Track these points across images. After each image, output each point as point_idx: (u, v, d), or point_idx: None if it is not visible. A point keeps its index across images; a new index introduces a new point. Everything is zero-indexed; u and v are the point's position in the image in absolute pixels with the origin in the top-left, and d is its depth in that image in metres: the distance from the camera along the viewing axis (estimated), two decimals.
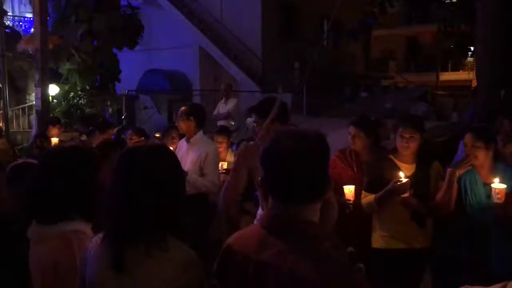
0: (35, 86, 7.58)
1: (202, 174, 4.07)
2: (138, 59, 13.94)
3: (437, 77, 19.64)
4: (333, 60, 15.80)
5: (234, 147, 5.79)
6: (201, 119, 4.22)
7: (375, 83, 16.35)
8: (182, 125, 4.18)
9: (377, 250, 3.04)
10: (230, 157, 5.20)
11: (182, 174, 1.61)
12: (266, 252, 1.33)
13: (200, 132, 4.22)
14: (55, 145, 3.72)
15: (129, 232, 1.43)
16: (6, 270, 2.15)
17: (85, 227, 1.71)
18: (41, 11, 7.45)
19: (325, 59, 15.30)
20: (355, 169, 3.42)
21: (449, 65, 21.97)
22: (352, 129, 3.44)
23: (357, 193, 3.07)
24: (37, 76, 7.48)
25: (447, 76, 21.20)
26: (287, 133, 1.41)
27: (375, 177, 3.05)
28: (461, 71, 21.41)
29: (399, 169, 2.99)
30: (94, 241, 1.55)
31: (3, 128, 8.99)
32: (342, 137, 4.71)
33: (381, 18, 15.58)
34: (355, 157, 3.46)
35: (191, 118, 4.13)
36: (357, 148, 3.46)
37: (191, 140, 4.15)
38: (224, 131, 5.36)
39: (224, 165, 4.84)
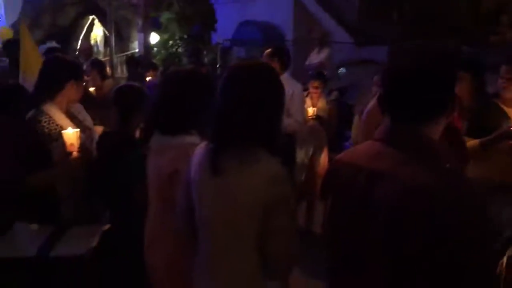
0: (138, 32, 8.02)
1: (288, 115, 4.14)
2: (233, 10, 14.02)
3: None
4: (435, 11, 14.71)
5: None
6: (285, 60, 4.26)
7: (482, 38, 15.00)
8: None
9: None
10: (322, 103, 5.20)
11: (281, 92, 1.66)
12: (380, 162, 1.31)
13: (286, 73, 4.26)
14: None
15: (226, 141, 1.55)
16: (115, 178, 2.42)
17: (200, 141, 1.88)
18: None
19: (427, 9, 14.29)
20: (456, 114, 3.28)
21: None
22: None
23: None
24: (140, 23, 7.87)
25: None
26: (408, 50, 1.38)
27: (479, 122, 2.94)
28: None
29: (505, 113, 2.84)
30: (198, 149, 1.70)
31: (110, 73, 9.72)
32: None
33: None
34: (458, 102, 3.31)
35: (275, 59, 4.19)
36: (461, 92, 3.27)
37: None
38: (321, 76, 5.33)
39: (314, 110, 4.85)
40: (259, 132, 1.56)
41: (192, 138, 1.93)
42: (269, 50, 4.34)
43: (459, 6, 16.35)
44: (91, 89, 5.23)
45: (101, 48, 13.79)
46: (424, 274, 1.19)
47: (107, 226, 2.56)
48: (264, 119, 1.57)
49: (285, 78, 4.28)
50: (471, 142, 2.90)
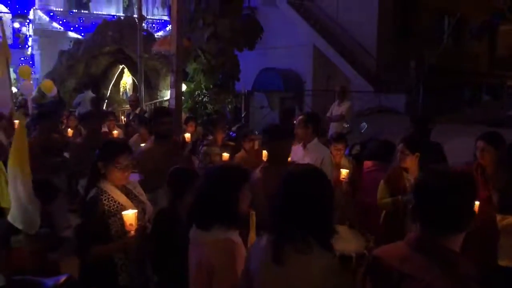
0: (170, 87, 8.46)
1: None
2: (254, 57, 14.59)
3: None
4: (453, 59, 15.06)
5: (347, 152, 5.99)
6: (317, 126, 4.57)
7: (500, 83, 15.24)
8: (300, 132, 4.54)
9: (504, 268, 3.12)
10: (344, 161, 5.30)
11: (330, 191, 1.95)
12: (408, 265, 1.65)
13: (316, 139, 4.56)
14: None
15: (287, 235, 1.83)
16: (166, 251, 2.71)
17: (234, 236, 2.13)
18: (177, 20, 8.25)
19: (444, 58, 14.65)
20: (480, 184, 3.43)
21: None
22: (481, 143, 3.50)
23: (481, 208, 3.15)
24: (172, 78, 8.34)
25: None
26: (436, 174, 1.73)
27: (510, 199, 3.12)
28: None
29: None
30: (257, 241, 2.00)
31: None
32: (462, 145, 4.69)
33: (510, 14, 14.48)
34: (481, 172, 3.51)
35: (309, 125, 4.49)
36: (485, 163, 3.50)
37: (308, 146, 4.47)
38: (343, 138, 5.58)
39: (347, 173, 4.80)
40: (315, 226, 1.81)
41: (226, 233, 2.11)
42: (302, 117, 4.62)
43: (475, 52, 16.71)
44: (142, 145, 5.43)
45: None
46: None
47: None
48: (318, 215, 1.82)
49: (315, 144, 4.57)
50: (509, 220, 3.08)
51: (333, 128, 8.40)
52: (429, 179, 1.72)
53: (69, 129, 7.37)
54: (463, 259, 1.66)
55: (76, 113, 9.28)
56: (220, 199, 2.14)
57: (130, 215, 2.68)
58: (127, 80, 13.56)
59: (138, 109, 9.31)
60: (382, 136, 8.18)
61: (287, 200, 1.87)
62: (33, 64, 15.51)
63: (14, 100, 9.73)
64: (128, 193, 2.98)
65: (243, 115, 11.01)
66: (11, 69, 8.45)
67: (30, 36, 16.65)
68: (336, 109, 8.68)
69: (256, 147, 6.13)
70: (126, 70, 13.26)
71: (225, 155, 5.49)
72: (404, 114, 11.32)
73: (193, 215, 2.23)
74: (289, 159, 4.33)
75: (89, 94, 11.42)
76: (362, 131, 7.55)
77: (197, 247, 2.17)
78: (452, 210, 1.63)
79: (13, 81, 10.91)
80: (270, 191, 2.02)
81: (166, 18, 15.56)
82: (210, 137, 6.38)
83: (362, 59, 14.35)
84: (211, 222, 2.13)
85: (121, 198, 2.87)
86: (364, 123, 7.73)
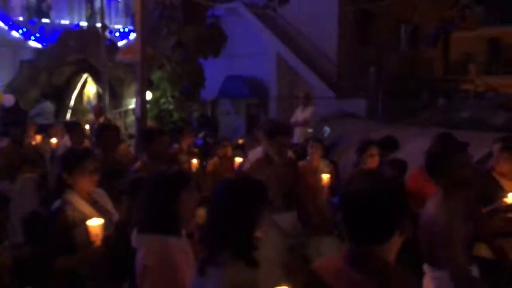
0: (136, 95, 8.52)
1: None
2: (219, 64, 14.76)
3: None
4: (410, 65, 15.71)
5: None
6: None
7: (454, 87, 16.00)
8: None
9: (484, 259, 3.25)
10: (323, 166, 5.29)
11: (250, 207, 1.91)
12: (342, 281, 1.57)
13: None
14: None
15: (211, 247, 1.89)
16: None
17: (172, 239, 2.17)
18: (141, 28, 8.34)
19: (401, 64, 15.26)
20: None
21: None
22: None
23: None
24: (137, 86, 8.39)
25: None
26: (360, 180, 1.59)
27: (477, 194, 3.24)
28: None
29: (501, 186, 3.31)
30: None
31: None
32: (419, 147, 4.99)
33: (461, 21, 15.29)
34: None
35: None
36: None
37: None
38: (320, 140, 5.61)
39: (327, 178, 4.72)
40: (234, 239, 1.83)
41: (162, 236, 2.15)
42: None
43: (430, 58, 17.49)
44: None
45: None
46: None
47: None
48: (237, 228, 1.84)
49: None
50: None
51: (297, 133, 8.65)
52: (353, 184, 1.60)
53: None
54: (397, 269, 1.57)
55: None
56: (151, 207, 2.19)
57: (95, 225, 2.62)
58: (91, 89, 13.42)
59: (102, 117, 9.29)
60: (346, 139, 8.49)
61: (214, 211, 1.90)
62: None
63: None
64: (94, 203, 2.91)
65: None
66: None
67: None
68: (300, 114, 8.93)
69: (229, 153, 6.24)
70: (89, 79, 13.12)
71: (194, 162, 5.58)
72: (365, 118, 11.74)
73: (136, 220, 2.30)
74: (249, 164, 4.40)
75: (48, 104, 11.13)
76: (325, 136, 7.82)
77: (137, 251, 2.21)
78: (377, 216, 1.50)
79: None
80: None
81: (129, 27, 15.52)
82: (176, 145, 6.44)
83: (323, 66, 14.77)
84: (148, 228, 2.19)
85: (87, 208, 2.81)
86: (327, 128, 8.01)
